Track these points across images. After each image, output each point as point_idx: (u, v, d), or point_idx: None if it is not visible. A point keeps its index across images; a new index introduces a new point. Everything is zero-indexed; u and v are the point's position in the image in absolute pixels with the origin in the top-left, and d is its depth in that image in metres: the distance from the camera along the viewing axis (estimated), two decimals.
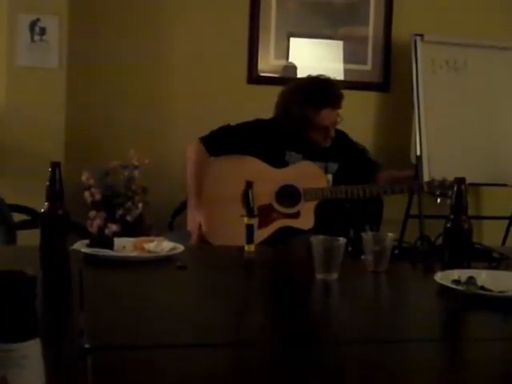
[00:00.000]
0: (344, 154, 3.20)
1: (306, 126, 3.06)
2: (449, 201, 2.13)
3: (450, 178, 2.43)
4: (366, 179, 3.16)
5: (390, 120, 4.67)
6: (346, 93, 3.11)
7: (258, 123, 3.14)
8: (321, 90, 3.03)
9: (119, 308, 1.61)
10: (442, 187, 2.97)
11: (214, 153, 3.10)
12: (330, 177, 3.18)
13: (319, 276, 1.96)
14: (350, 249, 2.19)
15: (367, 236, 2.11)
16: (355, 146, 3.34)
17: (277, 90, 3.23)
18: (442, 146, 4.33)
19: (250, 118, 3.18)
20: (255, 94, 4.34)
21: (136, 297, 1.71)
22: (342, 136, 3.22)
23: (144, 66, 4.36)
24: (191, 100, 4.37)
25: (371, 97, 4.66)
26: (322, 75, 3.13)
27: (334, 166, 3.18)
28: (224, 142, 3.09)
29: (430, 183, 3.05)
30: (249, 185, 2.35)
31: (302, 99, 3.03)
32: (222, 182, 3.04)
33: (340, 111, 3.08)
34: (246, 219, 2.33)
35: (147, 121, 4.34)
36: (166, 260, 2.14)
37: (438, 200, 2.98)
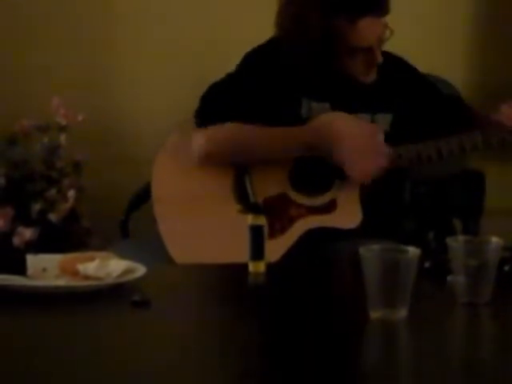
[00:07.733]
0: (402, 96, 2.38)
1: (333, 50, 2.29)
2: None
3: None
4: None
5: (495, 30, 3.19)
6: None
7: (258, 54, 2.37)
8: None
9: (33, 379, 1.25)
10: None
11: None
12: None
13: (375, 315, 1.50)
14: (427, 265, 1.79)
15: (456, 242, 1.63)
16: (419, 75, 2.48)
17: None
18: None
19: (239, 46, 2.35)
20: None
21: (64, 361, 1.31)
22: (395, 64, 2.41)
23: None
24: (151, 17, 3.07)
25: None
26: None
27: (385, 119, 2.36)
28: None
29: None
30: (242, 171, 1.99)
31: (326, 2, 2.23)
32: (190, 173, 2.36)
33: (389, 18, 2.25)
34: (250, 217, 1.81)
35: (82, 48, 3.19)
36: (114, 292, 1.73)
37: None
